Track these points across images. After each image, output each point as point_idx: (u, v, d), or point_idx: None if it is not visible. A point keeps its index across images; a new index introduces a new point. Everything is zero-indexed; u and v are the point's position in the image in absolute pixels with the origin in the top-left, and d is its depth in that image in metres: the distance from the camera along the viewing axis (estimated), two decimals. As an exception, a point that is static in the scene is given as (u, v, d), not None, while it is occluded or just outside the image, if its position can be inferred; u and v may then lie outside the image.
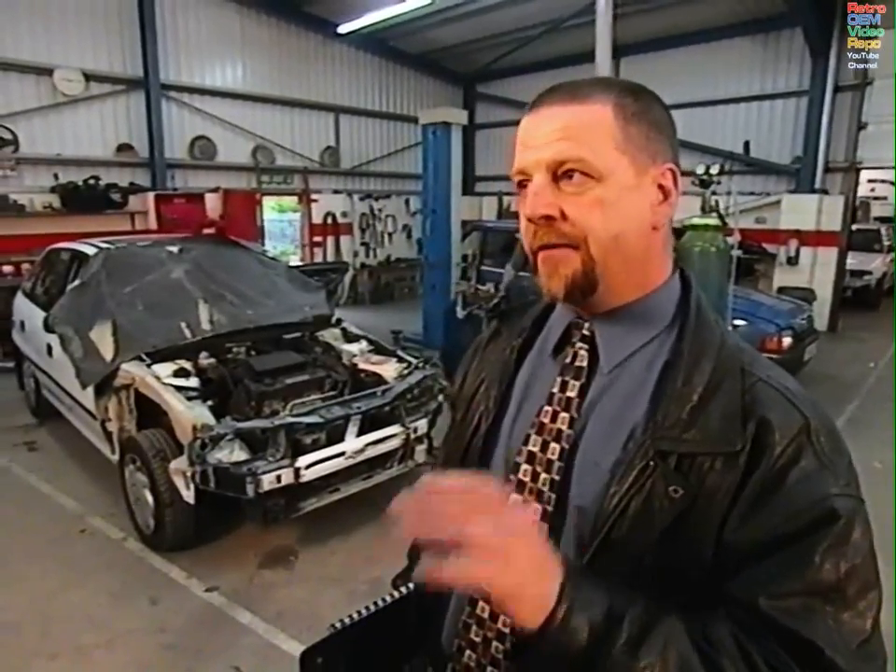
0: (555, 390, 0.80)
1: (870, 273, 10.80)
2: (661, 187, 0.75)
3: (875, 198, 14.85)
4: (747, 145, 9.99)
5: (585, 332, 0.80)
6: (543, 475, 0.78)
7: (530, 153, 0.74)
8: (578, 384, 0.79)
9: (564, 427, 0.78)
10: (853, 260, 9.90)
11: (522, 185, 0.76)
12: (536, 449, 0.79)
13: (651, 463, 0.69)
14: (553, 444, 0.78)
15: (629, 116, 0.72)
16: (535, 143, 0.73)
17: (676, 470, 0.69)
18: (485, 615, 0.81)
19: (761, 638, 0.62)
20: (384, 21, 9.67)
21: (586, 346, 0.80)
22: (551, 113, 0.73)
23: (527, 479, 0.79)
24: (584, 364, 0.79)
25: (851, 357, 7.56)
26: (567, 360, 0.81)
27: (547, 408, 0.80)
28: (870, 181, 13.74)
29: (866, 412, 5.65)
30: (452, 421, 1.00)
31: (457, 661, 0.84)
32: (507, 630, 0.79)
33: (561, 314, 0.85)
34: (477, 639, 0.82)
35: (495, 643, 0.80)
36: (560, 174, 0.72)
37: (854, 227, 10.05)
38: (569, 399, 0.79)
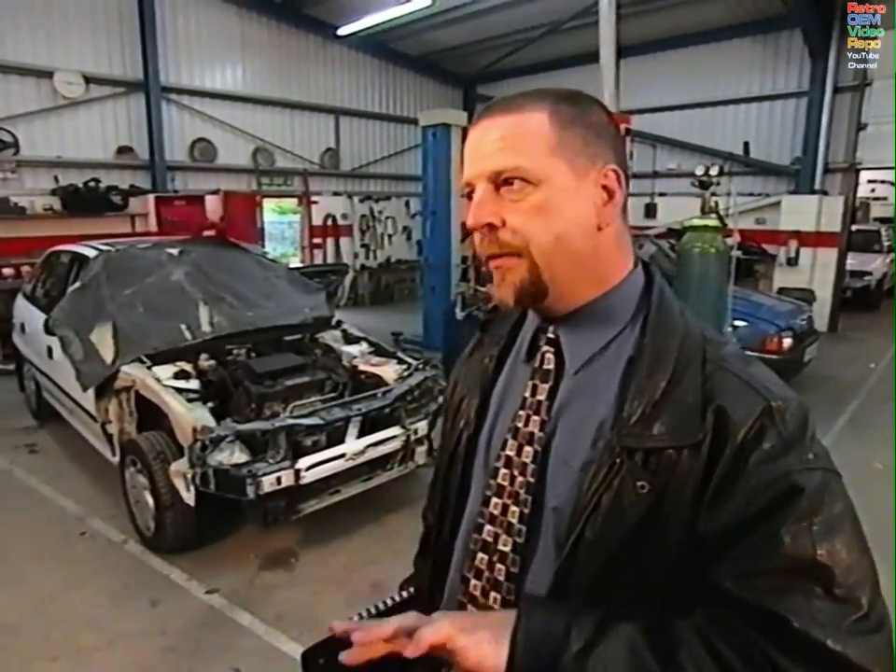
0: (527, 394, 0.82)
1: (870, 273, 10.80)
2: (605, 188, 0.76)
3: (875, 198, 14.87)
4: (746, 146, 10.01)
5: (550, 336, 0.81)
6: (519, 478, 0.79)
7: (473, 165, 0.76)
8: (546, 387, 0.80)
9: (536, 430, 0.79)
10: (853, 261, 9.91)
11: (469, 197, 0.78)
12: (512, 453, 0.80)
13: (618, 460, 0.70)
14: (526, 447, 0.79)
15: (564, 121, 0.74)
16: (476, 155, 0.76)
17: (643, 466, 0.69)
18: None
19: (728, 626, 0.62)
20: (383, 22, 9.69)
21: (552, 349, 0.81)
22: (489, 124, 0.75)
23: (506, 483, 0.80)
24: (551, 367, 0.81)
25: (851, 357, 7.56)
26: (536, 364, 0.82)
27: (521, 412, 0.81)
28: (870, 182, 13.76)
29: (867, 412, 5.65)
30: (442, 432, 1.02)
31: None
32: None
33: (531, 320, 0.87)
34: None
35: None
36: (501, 182, 0.74)
37: (854, 227, 10.06)
38: (539, 402, 0.80)
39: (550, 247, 0.74)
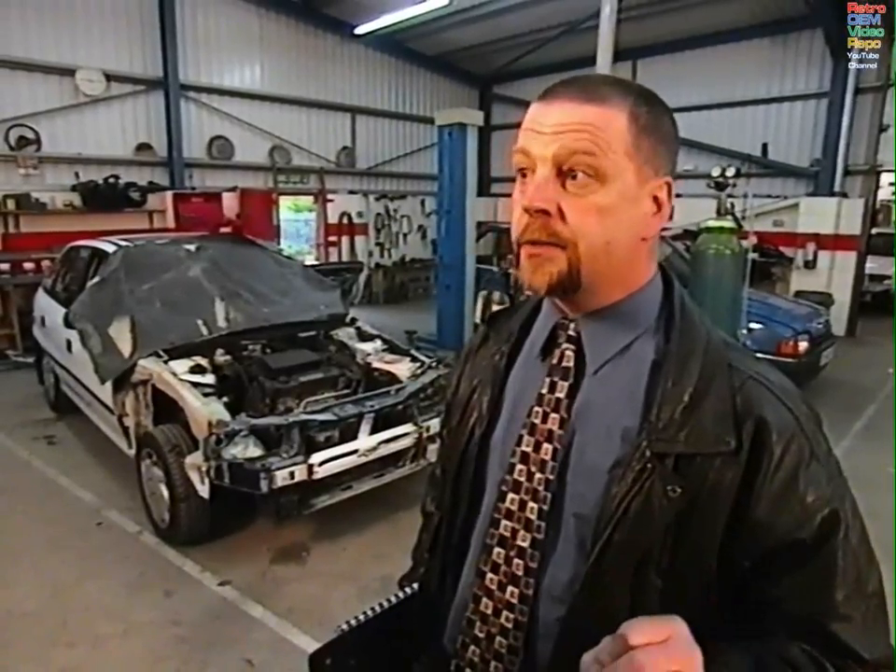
0: (544, 391, 0.81)
1: (890, 277, 10.65)
2: (656, 199, 0.75)
3: (898, 201, 14.62)
4: (765, 147, 9.91)
5: (571, 333, 0.81)
6: (538, 475, 0.79)
7: (538, 139, 0.72)
8: (566, 384, 0.80)
9: (555, 428, 0.79)
10: (873, 265, 9.77)
11: (523, 173, 0.75)
12: (529, 449, 0.80)
13: (649, 465, 0.70)
14: (545, 445, 0.79)
15: (642, 126, 0.72)
16: (546, 130, 0.72)
17: (675, 471, 0.70)
18: (489, 611, 0.83)
19: (825, 650, 0.67)
20: (400, 22, 9.70)
21: (572, 347, 0.80)
22: (566, 107, 0.71)
23: (523, 479, 0.80)
24: (571, 364, 0.80)
25: (869, 362, 7.46)
26: (555, 361, 0.82)
27: (537, 409, 0.81)
28: (892, 184, 13.54)
29: (883, 417, 5.57)
30: (445, 427, 1.01)
31: (461, 657, 0.86)
32: (510, 626, 0.81)
33: (547, 315, 0.86)
34: (481, 635, 0.83)
35: (498, 638, 0.82)
36: (565, 169, 0.71)
37: (874, 231, 9.91)
38: (558, 399, 0.80)
39: (598, 249, 0.72)
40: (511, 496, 0.81)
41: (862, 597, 0.68)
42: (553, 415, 0.79)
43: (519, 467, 0.81)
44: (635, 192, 0.73)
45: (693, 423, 0.70)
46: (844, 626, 0.66)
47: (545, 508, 0.78)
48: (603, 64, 5.78)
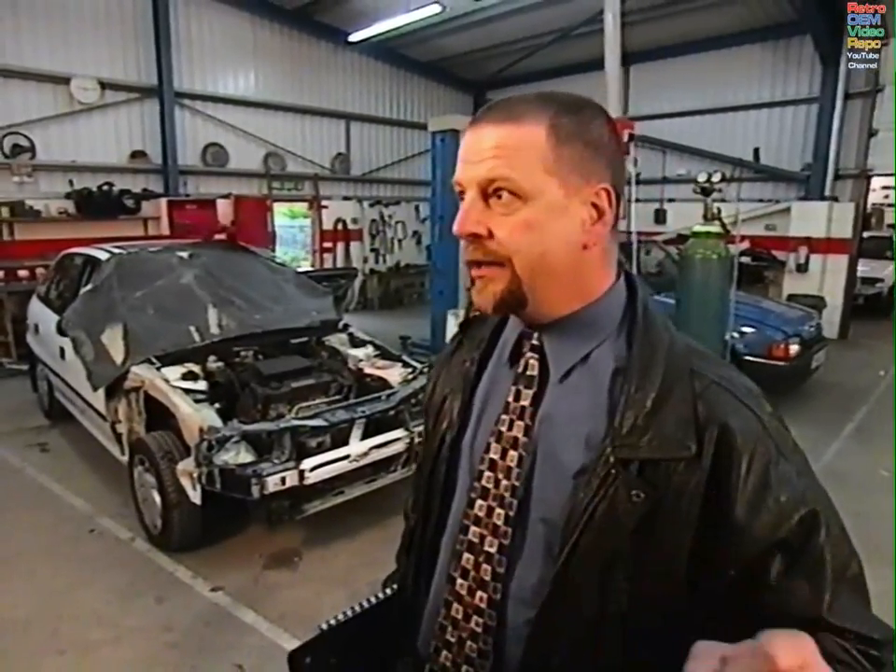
0: (510, 399, 0.82)
1: (882, 280, 10.71)
2: (595, 206, 0.75)
3: (890, 205, 14.70)
4: (756, 152, 9.97)
5: (534, 342, 0.82)
6: (504, 481, 0.80)
7: (465, 168, 0.76)
8: (530, 392, 0.81)
9: (520, 436, 0.80)
10: (865, 268, 9.82)
11: (461, 196, 0.78)
12: (496, 457, 0.82)
13: (613, 471, 0.71)
14: (511, 452, 0.80)
15: (563, 137, 0.73)
16: (470, 158, 0.75)
17: (639, 476, 0.71)
18: (459, 616, 0.84)
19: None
20: (394, 29, 9.75)
21: (536, 356, 0.82)
22: (487, 130, 0.74)
23: (490, 486, 0.82)
24: (535, 373, 0.81)
25: (861, 364, 7.50)
26: (520, 370, 0.83)
27: (504, 416, 0.82)
28: (884, 188, 13.62)
29: (874, 420, 5.59)
30: (424, 432, 1.03)
31: (435, 661, 0.87)
32: (479, 630, 0.82)
33: (513, 324, 0.87)
34: (452, 640, 0.85)
35: (469, 643, 0.83)
36: (490, 192, 0.74)
37: (867, 234, 9.97)
38: (523, 407, 0.81)
39: (532, 263, 0.74)
40: (479, 502, 0.82)
41: (846, 582, 0.70)
42: (518, 423, 0.81)
43: (487, 474, 0.82)
44: (563, 203, 0.74)
45: (655, 428, 0.71)
46: (843, 615, 0.68)
47: (511, 514, 0.79)
48: (612, 68, 5.84)
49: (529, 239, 0.74)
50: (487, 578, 0.81)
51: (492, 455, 0.82)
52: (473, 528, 0.83)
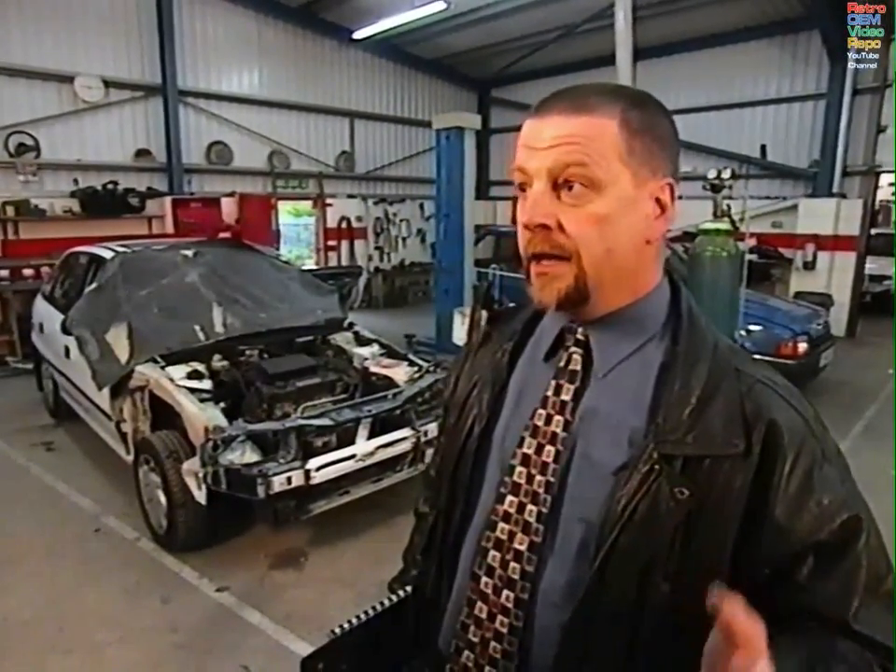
0: (549, 393, 0.81)
1: (889, 278, 10.63)
2: (658, 201, 0.75)
3: (898, 201, 14.61)
4: (763, 148, 9.91)
5: (579, 337, 0.81)
6: (538, 477, 0.79)
7: (533, 156, 0.74)
8: (572, 387, 0.80)
9: (559, 430, 0.78)
10: (873, 265, 9.76)
11: (522, 188, 0.77)
12: (531, 451, 0.80)
13: (657, 467, 0.70)
14: (548, 447, 0.79)
15: (634, 130, 0.72)
16: (539, 146, 0.73)
17: (682, 473, 0.70)
18: (483, 615, 0.82)
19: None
20: (398, 26, 9.74)
21: (580, 350, 0.80)
22: (556, 121, 0.72)
23: (522, 481, 0.80)
24: (578, 368, 0.80)
25: (869, 363, 7.45)
26: (561, 364, 0.81)
27: (541, 411, 0.80)
28: (891, 185, 13.53)
29: (884, 419, 5.55)
30: (442, 427, 1.01)
31: (455, 661, 0.85)
32: (504, 630, 0.80)
33: (553, 318, 0.86)
34: (475, 640, 0.83)
35: (493, 643, 0.81)
36: (560, 182, 0.72)
37: (874, 231, 9.90)
38: (564, 402, 0.79)
39: (601, 257, 0.73)
40: (509, 498, 0.80)
41: (879, 596, 0.68)
42: (557, 417, 0.79)
43: (519, 469, 0.80)
44: (633, 196, 0.73)
45: (701, 425, 0.71)
46: (874, 626, 0.67)
47: (544, 511, 0.78)
48: (623, 65, 5.83)
49: (599, 233, 0.72)
50: (515, 576, 0.79)
51: (525, 450, 0.80)
52: (502, 525, 0.81)
